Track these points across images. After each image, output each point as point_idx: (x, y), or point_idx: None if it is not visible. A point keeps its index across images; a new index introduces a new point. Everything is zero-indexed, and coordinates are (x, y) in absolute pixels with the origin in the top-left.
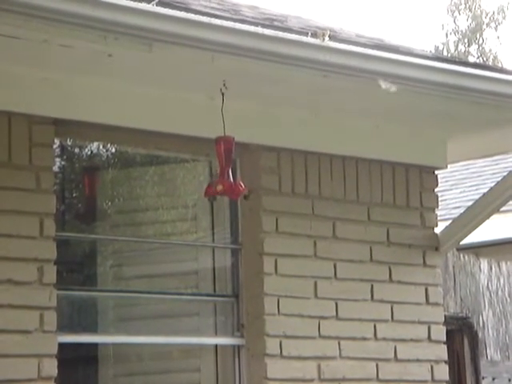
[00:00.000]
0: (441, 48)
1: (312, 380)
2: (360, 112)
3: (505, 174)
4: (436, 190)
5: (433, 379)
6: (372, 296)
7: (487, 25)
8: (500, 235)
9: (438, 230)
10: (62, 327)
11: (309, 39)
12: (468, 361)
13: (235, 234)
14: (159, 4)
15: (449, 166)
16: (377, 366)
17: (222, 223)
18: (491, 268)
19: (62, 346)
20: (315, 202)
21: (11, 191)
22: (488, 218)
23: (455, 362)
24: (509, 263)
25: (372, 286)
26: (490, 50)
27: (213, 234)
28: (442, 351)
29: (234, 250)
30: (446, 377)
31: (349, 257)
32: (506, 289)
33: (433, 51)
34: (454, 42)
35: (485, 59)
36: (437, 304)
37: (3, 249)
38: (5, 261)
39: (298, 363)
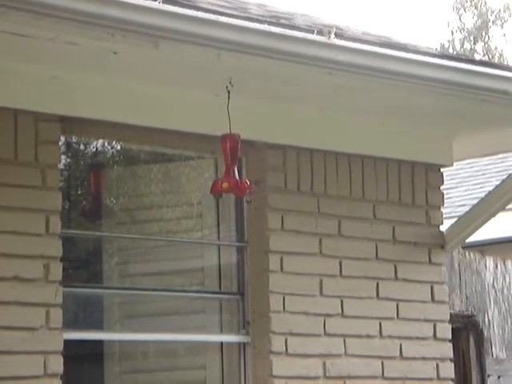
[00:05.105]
0: (446, 46)
1: (317, 378)
2: (366, 110)
3: (510, 172)
4: (441, 187)
5: (438, 377)
6: (377, 294)
7: (493, 22)
8: (506, 233)
9: (443, 228)
10: (68, 324)
11: (315, 37)
12: (473, 359)
13: (241, 232)
14: (166, 2)
15: (454, 163)
16: (382, 363)
17: (228, 221)
18: (497, 266)
19: (67, 342)
20: (321, 199)
21: (17, 188)
22: (494, 216)
23: (461, 360)
24: None
25: (377, 283)
26: (496, 48)
27: (218, 231)
28: (448, 349)
29: (239, 248)
30: (452, 375)
31: (354, 255)
32: None
33: (438, 49)
34: (460, 39)
35: (490, 57)
36: (442, 302)
37: (9, 246)
38: (11, 258)
39: (303, 361)
